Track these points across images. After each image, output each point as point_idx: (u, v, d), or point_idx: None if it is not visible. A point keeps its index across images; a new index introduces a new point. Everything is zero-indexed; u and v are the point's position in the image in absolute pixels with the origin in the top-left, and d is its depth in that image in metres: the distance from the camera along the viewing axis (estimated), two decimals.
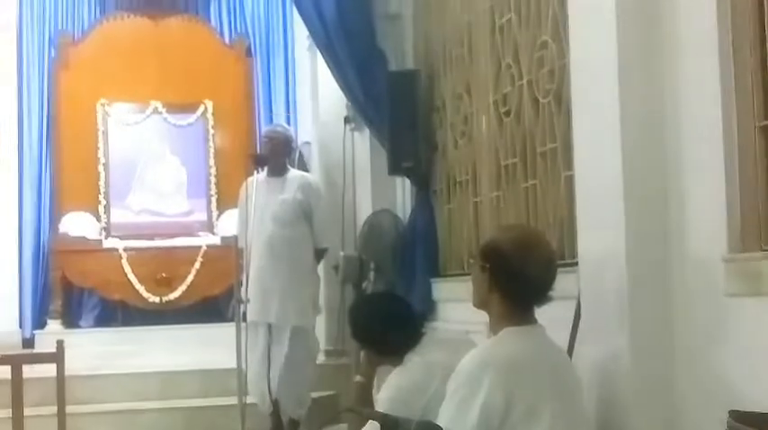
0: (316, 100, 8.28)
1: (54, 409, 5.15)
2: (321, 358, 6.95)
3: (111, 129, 9.27)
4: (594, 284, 3.35)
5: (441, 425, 2.60)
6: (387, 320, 3.71)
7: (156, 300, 8.78)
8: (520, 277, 2.86)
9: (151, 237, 8.98)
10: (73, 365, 5.57)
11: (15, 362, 5.17)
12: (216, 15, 9.91)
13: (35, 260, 9.11)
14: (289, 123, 8.88)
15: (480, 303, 2.98)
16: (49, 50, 9.42)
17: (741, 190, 2.87)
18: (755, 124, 2.86)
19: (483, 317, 3.07)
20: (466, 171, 5.88)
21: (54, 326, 8.56)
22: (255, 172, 6.20)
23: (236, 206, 6.71)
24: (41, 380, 5.50)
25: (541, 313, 2.92)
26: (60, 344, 5.20)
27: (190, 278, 8.79)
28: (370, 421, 3.02)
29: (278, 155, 6.35)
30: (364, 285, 6.29)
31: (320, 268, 6.55)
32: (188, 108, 9.41)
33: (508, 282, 2.88)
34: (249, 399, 5.98)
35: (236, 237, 6.16)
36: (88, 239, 8.87)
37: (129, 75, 9.26)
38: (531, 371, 2.80)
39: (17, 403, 5.01)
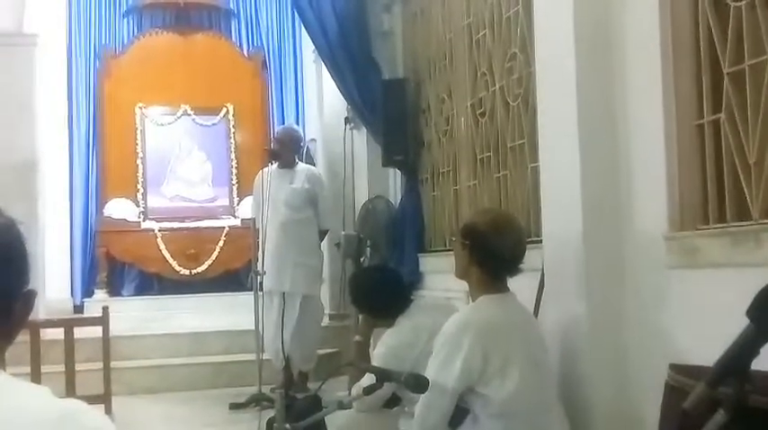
0: (320, 103, 8.26)
1: (100, 365, 5.17)
2: (326, 321, 6.94)
3: (148, 128, 9.24)
4: (556, 259, 3.35)
5: (428, 377, 2.60)
6: (381, 289, 3.70)
7: (186, 272, 8.77)
8: (495, 253, 2.85)
9: (182, 220, 8.96)
10: (116, 327, 5.59)
11: (68, 325, 5.18)
12: (236, 32, 9.87)
13: (84, 239, 9.08)
14: (297, 123, 8.85)
15: (461, 274, 2.97)
16: (94, 62, 9.37)
17: (679, 178, 2.87)
18: (692, 123, 2.86)
19: (463, 286, 3.07)
20: (448, 163, 5.87)
21: (100, 294, 8.55)
22: (269, 164, 6.18)
23: (252, 193, 6.70)
24: (89, 340, 5.51)
25: (513, 283, 2.92)
26: (105, 309, 5.21)
27: (214, 254, 8.78)
28: (367, 373, 3.01)
29: (288, 150, 6.34)
30: (362, 259, 6.28)
31: (324, 245, 6.55)
32: (212, 110, 9.37)
33: (485, 256, 2.87)
34: (265, 356, 5.99)
35: (253, 220, 6.16)
36: (128, 221, 8.85)
37: (162, 82, 9.23)
38: (505, 332, 2.80)
39: (69, 359, 5.02)
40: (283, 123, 8.72)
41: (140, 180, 9.09)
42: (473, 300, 2.94)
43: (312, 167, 6.87)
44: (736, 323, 1.38)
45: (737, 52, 2.66)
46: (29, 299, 1.18)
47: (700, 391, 1.37)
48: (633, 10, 3.07)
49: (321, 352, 6.49)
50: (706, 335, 2.18)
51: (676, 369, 2.33)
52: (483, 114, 5.13)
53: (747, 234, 2.51)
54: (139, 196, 9.05)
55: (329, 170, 7.64)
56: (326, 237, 6.54)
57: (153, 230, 8.78)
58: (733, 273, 2.51)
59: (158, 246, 8.73)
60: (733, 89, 2.67)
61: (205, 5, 9.61)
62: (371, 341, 3.92)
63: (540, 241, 3.53)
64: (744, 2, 2.62)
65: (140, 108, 9.19)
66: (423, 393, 2.63)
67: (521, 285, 2.98)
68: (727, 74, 2.69)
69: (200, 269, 8.79)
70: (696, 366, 2.20)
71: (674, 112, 2.88)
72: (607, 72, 3.16)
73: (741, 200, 2.65)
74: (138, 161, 9.12)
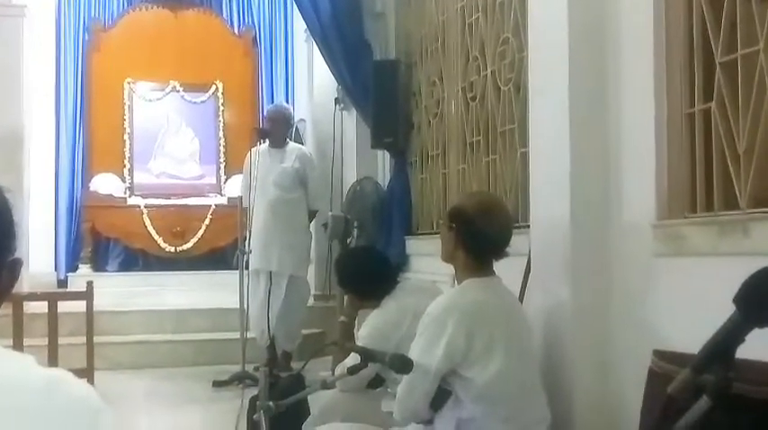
0: (311, 83, 8.24)
1: (83, 339, 5.15)
2: (311, 301, 6.96)
3: (136, 103, 9.21)
4: (543, 244, 3.35)
5: (412, 358, 2.60)
6: (367, 270, 3.70)
7: (172, 249, 8.77)
8: (481, 236, 2.85)
9: (168, 197, 8.95)
10: (100, 302, 5.57)
11: (52, 299, 5.16)
12: (227, 9, 9.83)
13: (69, 214, 9.06)
14: (287, 103, 8.83)
15: (447, 258, 2.97)
16: (83, 35, 9.32)
17: (668, 167, 2.87)
18: (682, 111, 2.86)
19: (449, 269, 3.07)
20: (437, 146, 5.86)
21: (84, 269, 8.55)
22: (258, 143, 6.17)
23: (241, 172, 6.68)
24: (73, 315, 5.51)
25: (498, 267, 2.92)
26: (90, 284, 5.19)
27: (200, 232, 8.80)
28: (351, 353, 3.02)
29: (278, 130, 6.32)
30: (349, 241, 6.28)
31: (312, 226, 6.54)
32: (201, 87, 9.35)
33: (471, 240, 2.86)
34: (249, 334, 5.99)
35: (240, 198, 6.15)
36: (114, 197, 8.84)
37: (152, 58, 9.20)
38: (489, 316, 2.80)
39: (53, 333, 5.01)
40: (273, 102, 8.70)
41: (127, 155, 9.07)
42: (459, 284, 2.94)
43: (303, 147, 6.86)
44: (722, 311, 1.38)
45: (730, 42, 2.66)
46: (14, 267, 1.17)
47: (684, 377, 1.37)
48: None
49: (306, 332, 6.50)
50: (691, 323, 2.19)
51: (660, 355, 2.34)
52: (474, 98, 5.12)
53: (735, 223, 2.52)
54: (126, 172, 9.04)
55: (318, 150, 7.63)
56: (315, 218, 6.53)
57: (139, 206, 8.77)
58: (720, 261, 2.52)
59: (144, 223, 8.72)
60: (725, 79, 2.67)
61: None
62: (356, 322, 3.93)
63: (528, 226, 3.53)
64: None
65: (129, 83, 9.15)
66: (406, 374, 2.64)
67: (507, 269, 2.98)
68: (720, 63, 2.69)
69: (185, 246, 8.79)
70: (680, 353, 2.20)
71: (665, 100, 2.88)
72: (599, 58, 3.15)
73: (729, 189, 2.65)
74: (126, 136, 9.10)
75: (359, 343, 3.34)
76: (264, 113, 7.29)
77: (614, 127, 3.11)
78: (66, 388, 1.06)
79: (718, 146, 2.71)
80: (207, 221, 8.77)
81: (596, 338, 3.07)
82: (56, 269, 8.76)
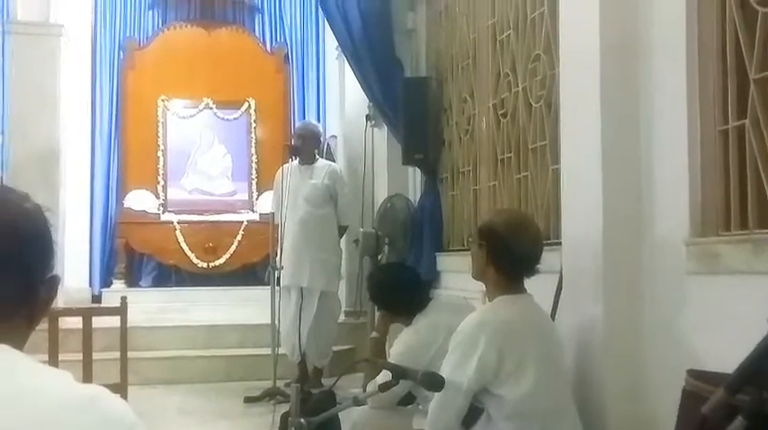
0: (342, 100, 8.27)
1: (117, 354, 5.18)
2: (342, 317, 6.96)
3: (169, 120, 9.30)
4: (575, 261, 3.34)
5: (443, 375, 2.60)
6: (399, 287, 3.71)
7: (204, 265, 8.83)
8: (510, 253, 2.85)
9: (201, 213, 9.02)
10: (134, 318, 5.60)
11: (86, 315, 5.20)
12: (259, 27, 9.93)
13: (103, 230, 9.16)
14: (318, 120, 8.89)
15: (478, 275, 2.97)
16: (118, 54, 9.45)
17: (702, 184, 2.85)
18: (716, 128, 2.84)
19: (480, 286, 3.06)
20: (468, 163, 5.86)
21: (118, 285, 8.62)
22: (289, 160, 6.21)
23: (272, 188, 6.72)
24: (107, 330, 5.53)
25: (530, 284, 2.92)
26: (123, 300, 5.22)
27: (232, 248, 8.85)
28: (383, 370, 3.02)
29: (309, 146, 6.36)
30: (380, 257, 6.29)
31: (343, 242, 6.56)
32: (234, 105, 9.43)
33: (501, 257, 2.86)
34: (280, 350, 6.01)
35: (273, 215, 6.18)
36: (148, 213, 8.93)
37: (185, 75, 9.30)
38: (521, 333, 2.79)
39: (87, 348, 5.04)
40: (304, 119, 8.75)
41: (161, 172, 9.16)
42: (490, 301, 2.93)
43: (332, 163, 6.88)
44: (756, 331, 1.37)
45: (764, 58, 2.64)
46: (53, 284, 1.19)
47: (719, 397, 1.37)
48: (660, 14, 3.06)
49: (336, 348, 6.50)
50: (725, 343, 2.17)
51: (694, 375, 2.32)
52: (505, 115, 5.11)
53: None
54: (159, 188, 9.12)
55: (349, 167, 7.65)
56: (345, 234, 6.54)
57: (172, 223, 8.84)
58: (754, 280, 2.49)
59: (177, 239, 8.79)
60: (758, 95, 2.65)
61: None
62: (388, 338, 3.93)
63: (560, 243, 3.52)
64: None
65: (163, 100, 9.25)
66: (438, 391, 2.63)
67: (539, 287, 2.97)
68: (754, 80, 2.67)
69: (217, 262, 8.85)
70: (714, 372, 2.18)
71: (698, 117, 2.86)
72: (631, 75, 3.14)
73: (764, 207, 2.63)
74: (159, 153, 9.19)
75: (391, 360, 3.34)
76: (295, 130, 7.34)
77: (646, 143, 3.09)
78: (103, 404, 1.08)
79: (752, 163, 2.69)
80: (239, 237, 8.83)
81: (629, 357, 3.05)
82: (90, 285, 8.85)
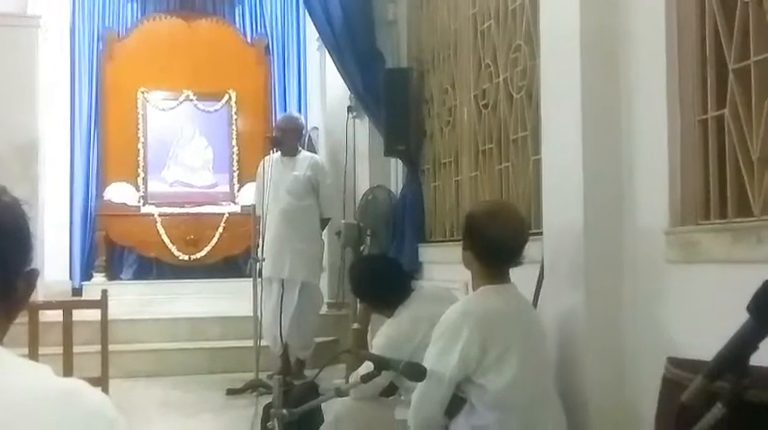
0: (323, 91, 8.26)
1: (98, 348, 5.17)
2: (324, 309, 6.96)
3: (149, 112, 9.26)
4: (556, 251, 3.35)
5: (426, 366, 2.60)
6: (381, 278, 3.70)
7: (185, 257, 8.80)
8: (487, 240, 2.85)
9: (182, 205, 8.99)
10: (114, 311, 5.59)
11: (66, 308, 5.18)
12: (240, 18, 9.88)
13: (83, 222, 9.11)
14: (299, 111, 8.87)
15: (465, 264, 2.97)
16: (97, 45, 9.39)
17: (681, 173, 2.87)
18: (695, 118, 2.86)
19: (461, 276, 3.08)
20: (449, 154, 5.86)
21: (99, 278, 8.58)
22: (271, 152, 6.20)
23: (254, 180, 6.71)
24: (88, 324, 5.52)
25: (512, 274, 2.92)
26: (104, 293, 5.20)
27: (214, 240, 8.83)
28: (365, 361, 3.02)
29: (290, 138, 6.35)
30: (362, 249, 6.29)
31: (325, 234, 6.56)
32: (215, 96, 9.39)
33: (478, 244, 2.87)
34: (263, 342, 6.00)
35: (254, 206, 6.18)
36: (128, 205, 8.88)
37: (165, 67, 9.25)
38: (503, 323, 2.80)
39: (67, 342, 5.02)
40: (285, 111, 8.74)
41: (141, 164, 9.11)
42: (474, 291, 2.94)
43: (315, 155, 6.87)
44: (735, 319, 1.38)
45: (743, 48, 2.66)
46: (31, 278, 1.19)
47: (698, 384, 1.37)
48: (639, 4, 3.07)
49: (319, 340, 6.51)
50: (704, 330, 2.19)
51: (674, 362, 2.33)
52: (486, 106, 5.12)
53: (749, 230, 2.51)
54: (140, 180, 9.08)
55: (331, 158, 7.65)
56: (327, 226, 6.54)
57: (153, 215, 8.80)
58: (733, 269, 2.51)
59: (158, 231, 8.75)
60: (738, 85, 2.67)
61: None
62: (369, 329, 3.93)
63: (541, 233, 3.53)
64: None
65: (142, 92, 9.20)
66: (420, 382, 2.64)
67: (521, 276, 2.98)
68: (733, 70, 2.69)
69: (199, 255, 8.82)
70: (694, 360, 2.20)
71: (677, 107, 2.88)
72: (612, 65, 3.15)
73: (743, 196, 2.65)
74: (140, 145, 9.15)
75: (373, 352, 3.35)
76: (276, 122, 7.32)
77: (627, 134, 3.11)
78: (82, 398, 1.08)
79: (731, 152, 2.70)
80: (220, 229, 8.80)
81: (610, 345, 3.07)
82: (70, 278, 8.80)
